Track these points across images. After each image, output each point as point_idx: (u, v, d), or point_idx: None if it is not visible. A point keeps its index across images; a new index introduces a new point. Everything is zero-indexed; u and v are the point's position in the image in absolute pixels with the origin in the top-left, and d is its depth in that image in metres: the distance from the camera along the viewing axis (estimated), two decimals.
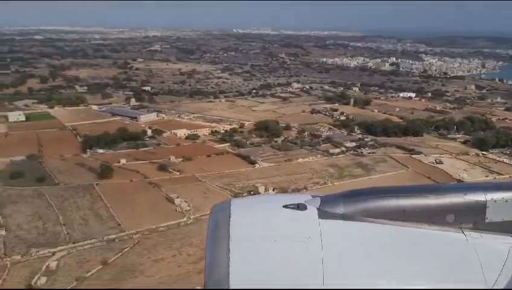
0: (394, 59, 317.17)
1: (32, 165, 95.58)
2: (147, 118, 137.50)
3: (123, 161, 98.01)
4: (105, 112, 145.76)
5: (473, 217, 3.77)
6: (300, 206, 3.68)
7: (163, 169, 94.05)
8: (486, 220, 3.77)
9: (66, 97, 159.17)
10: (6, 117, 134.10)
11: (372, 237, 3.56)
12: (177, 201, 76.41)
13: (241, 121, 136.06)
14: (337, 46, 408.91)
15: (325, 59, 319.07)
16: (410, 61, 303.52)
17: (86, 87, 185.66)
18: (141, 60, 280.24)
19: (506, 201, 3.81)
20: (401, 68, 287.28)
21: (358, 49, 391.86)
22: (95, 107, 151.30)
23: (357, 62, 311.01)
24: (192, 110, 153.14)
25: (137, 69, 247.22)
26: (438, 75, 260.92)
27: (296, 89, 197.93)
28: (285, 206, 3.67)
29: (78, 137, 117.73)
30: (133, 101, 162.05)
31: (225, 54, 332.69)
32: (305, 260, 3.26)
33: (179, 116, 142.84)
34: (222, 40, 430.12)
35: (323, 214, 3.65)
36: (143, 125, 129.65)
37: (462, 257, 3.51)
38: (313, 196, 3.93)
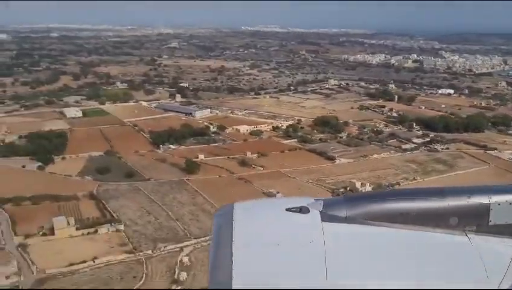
0: (415, 56, 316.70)
1: (113, 160, 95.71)
2: (201, 114, 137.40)
3: (201, 156, 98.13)
4: (157, 108, 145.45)
5: (476, 220, 3.76)
6: (303, 210, 3.71)
7: (244, 164, 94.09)
8: (490, 223, 3.76)
9: (113, 93, 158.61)
10: (62, 113, 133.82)
11: (375, 240, 3.57)
12: (278, 196, 76.32)
13: (296, 117, 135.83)
14: (353, 44, 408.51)
15: (346, 56, 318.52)
16: (433, 58, 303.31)
17: (126, 84, 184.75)
18: (166, 56, 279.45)
19: (510, 204, 3.81)
20: (424, 65, 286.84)
21: (375, 47, 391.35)
22: (144, 104, 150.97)
23: (379, 59, 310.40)
24: (238, 106, 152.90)
25: (165, 65, 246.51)
26: (463, 72, 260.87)
27: (333, 85, 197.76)
28: (288, 210, 3.70)
29: (142, 133, 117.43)
30: (178, 97, 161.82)
31: (245, 51, 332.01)
32: (308, 263, 3.27)
33: (231, 112, 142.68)
34: (236, 38, 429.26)
35: (326, 217, 3.67)
36: (200, 121, 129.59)
37: (465, 260, 3.52)
38: (316, 199, 3.96)
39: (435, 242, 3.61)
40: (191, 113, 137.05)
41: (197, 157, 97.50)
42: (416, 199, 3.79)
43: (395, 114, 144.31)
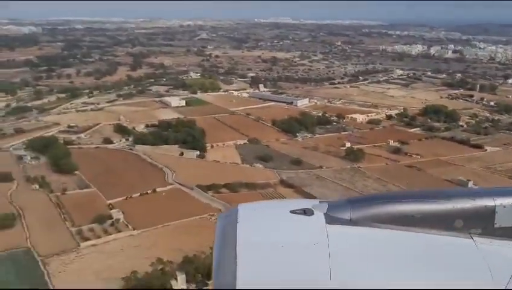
0: (453, 46, 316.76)
1: (262, 148, 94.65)
2: (301, 103, 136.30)
3: (348, 144, 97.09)
4: (252, 97, 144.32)
5: (481, 223, 3.69)
6: (307, 212, 3.66)
7: (398, 152, 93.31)
8: (495, 226, 3.70)
9: (199, 83, 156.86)
10: (163, 102, 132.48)
11: (380, 242, 3.52)
12: (470, 184, 75.70)
13: (399, 107, 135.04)
14: (381, 35, 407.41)
15: (383, 47, 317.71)
16: (471, 48, 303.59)
17: (198, 74, 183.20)
18: (211, 47, 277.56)
19: None
20: (466, 55, 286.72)
21: (403, 38, 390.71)
22: (235, 93, 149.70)
23: (418, 50, 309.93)
24: (324, 95, 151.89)
25: (217, 56, 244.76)
26: (507, 62, 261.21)
27: (399, 75, 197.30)
28: (292, 212, 3.64)
29: (262, 122, 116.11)
30: (261, 87, 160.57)
31: (281, 42, 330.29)
32: (313, 265, 3.23)
33: (329, 101, 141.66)
34: (260, 29, 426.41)
35: (330, 220, 3.61)
36: (307, 110, 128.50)
37: (470, 263, 3.46)
38: (320, 201, 3.89)
39: (440, 245, 3.55)
40: (292, 102, 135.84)
41: (344, 146, 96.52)
42: (421, 201, 3.71)
43: (491, 103, 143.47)
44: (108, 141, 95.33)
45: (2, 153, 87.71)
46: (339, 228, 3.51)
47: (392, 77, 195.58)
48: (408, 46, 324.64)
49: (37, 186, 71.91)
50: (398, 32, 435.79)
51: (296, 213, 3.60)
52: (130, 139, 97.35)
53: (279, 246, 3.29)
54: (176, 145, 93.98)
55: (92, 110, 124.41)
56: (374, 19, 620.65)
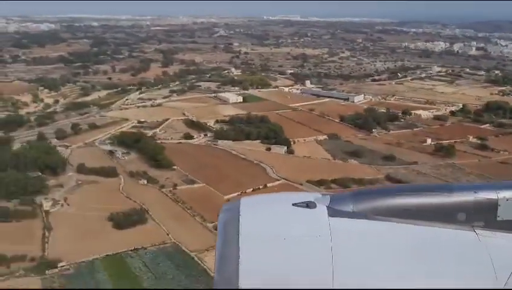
0: (475, 43, 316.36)
1: (345, 144, 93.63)
2: (357, 99, 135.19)
3: (429, 140, 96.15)
4: (304, 93, 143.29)
5: (484, 216, 3.69)
6: (309, 205, 3.63)
7: (483, 148, 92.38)
8: (498, 219, 3.69)
9: (249, 79, 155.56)
10: (218, 98, 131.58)
11: (382, 235, 3.51)
12: None
13: (456, 103, 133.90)
14: (398, 32, 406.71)
15: (406, 44, 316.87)
16: (494, 46, 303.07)
17: (239, 71, 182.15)
18: (236, 44, 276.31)
19: None
20: (491, 52, 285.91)
21: (420, 35, 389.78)
22: (286, 89, 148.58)
23: (441, 47, 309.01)
24: (373, 91, 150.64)
25: (246, 53, 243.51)
26: None
27: (438, 72, 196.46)
28: (295, 205, 3.61)
29: (328, 117, 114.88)
30: (308, 83, 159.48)
31: (302, 40, 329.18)
32: (315, 258, 3.26)
33: (383, 98, 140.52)
34: (274, 26, 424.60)
35: (332, 212, 3.59)
36: (365, 106, 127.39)
37: (473, 256, 3.47)
38: (323, 194, 3.90)
39: (442, 238, 3.56)
40: (347, 98, 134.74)
41: (425, 142, 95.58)
42: (424, 194, 3.74)
43: None
44: (188, 136, 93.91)
45: (92, 148, 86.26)
46: (341, 221, 3.48)
47: (430, 73, 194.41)
48: (430, 43, 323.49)
49: (145, 182, 70.52)
50: (414, 30, 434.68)
51: (298, 206, 3.57)
52: (208, 134, 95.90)
53: (282, 239, 3.29)
54: (257, 141, 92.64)
55: (152, 106, 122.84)
56: (379, 16, 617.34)
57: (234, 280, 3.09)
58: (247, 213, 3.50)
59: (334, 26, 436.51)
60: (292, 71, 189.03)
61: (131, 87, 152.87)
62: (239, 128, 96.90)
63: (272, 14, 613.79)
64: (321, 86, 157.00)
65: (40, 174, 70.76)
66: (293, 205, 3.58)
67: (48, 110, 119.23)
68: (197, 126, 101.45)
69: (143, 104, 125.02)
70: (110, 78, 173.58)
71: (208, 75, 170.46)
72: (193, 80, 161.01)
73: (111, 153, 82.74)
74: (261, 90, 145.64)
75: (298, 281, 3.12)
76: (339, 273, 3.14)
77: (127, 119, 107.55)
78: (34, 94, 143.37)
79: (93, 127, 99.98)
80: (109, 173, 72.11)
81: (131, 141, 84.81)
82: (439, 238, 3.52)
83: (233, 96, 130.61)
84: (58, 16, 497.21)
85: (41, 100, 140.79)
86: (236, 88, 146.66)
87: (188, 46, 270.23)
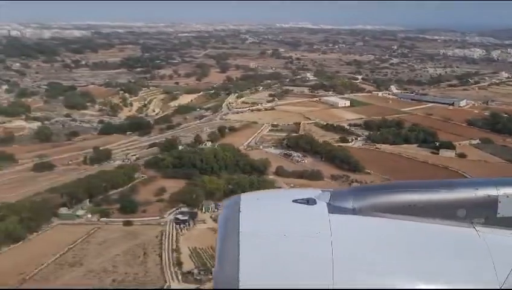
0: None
1: (501, 148, 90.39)
2: (462, 104, 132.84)
3: None
4: (402, 98, 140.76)
5: (484, 212, 3.63)
6: (310, 201, 3.60)
7: None
8: (498, 215, 3.65)
9: (339, 84, 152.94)
10: (323, 102, 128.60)
11: (383, 232, 3.47)
12: None
13: None
14: (424, 40, 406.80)
15: (443, 51, 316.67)
16: None
17: (313, 76, 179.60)
18: (282, 50, 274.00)
19: None
20: None
21: (448, 42, 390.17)
22: (380, 94, 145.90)
23: (478, 54, 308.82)
24: (464, 96, 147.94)
25: (298, 59, 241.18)
26: None
27: (507, 78, 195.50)
28: (295, 201, 3.59)
29: (450, 122, 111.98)
30: (393, 88, 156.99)
31: (337, 46, 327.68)
32: (315, 255, 3.23)
33: (485, 102, 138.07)
34: (303, 33, 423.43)
35: (333, 209, 3.53)
36: (476, 111, 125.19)
37: (473, 253, 3.43)
38: (323, 191, 3.80)
39: (442, 234, 3.51)
40: (452, 103, 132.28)
41: None
42: (424, 190, 3.67)
43: None
44: (345, 139, 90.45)
45: (258, 151, 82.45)
46: (341, 218, 3.46)
47: (500, 79, 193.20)
48: (468, 50, 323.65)
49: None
50: (442, 37, 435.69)
51: (298, 202, 3.55)
52: (359, 138, 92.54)
53: (282, 235, 3.28)
54: (414, 145, 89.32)
55: (265, 109, 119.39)
56: (389, 24, 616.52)
57: (234, 277, 3.08)
58: (248, 209, 3.45)
59: (358, 34, 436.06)
60: (362, 77, 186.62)
61: (211, 91, 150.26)
62: (393, 131, 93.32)
63: (284, 21, 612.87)
64: (406, 91, 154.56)
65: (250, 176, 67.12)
66: (293, 201, 3.52)
67: (162, 114, 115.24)
68: (334, 129, 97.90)
69: (255, 107, 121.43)
70: (177, 83, 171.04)
71: (287, 80, 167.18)
72: (274, 84, 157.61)
73: (286, 155, 78.82)
74: (356, 94, 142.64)
75: (298, 278, 3.11)
76: (339, 270, 3.10)
77: (256, 122, 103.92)
78: (123, 98, 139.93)
79: (233, 130, 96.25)
80: (314, 176, 68.13)
81: (304, 144, 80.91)
82: (438, 235, 3.45)
83: (340, 100, 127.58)
84: (73, 23, 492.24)
85: (131, 104, 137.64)
86: (330, 92, 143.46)
87: (232, 51, 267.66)
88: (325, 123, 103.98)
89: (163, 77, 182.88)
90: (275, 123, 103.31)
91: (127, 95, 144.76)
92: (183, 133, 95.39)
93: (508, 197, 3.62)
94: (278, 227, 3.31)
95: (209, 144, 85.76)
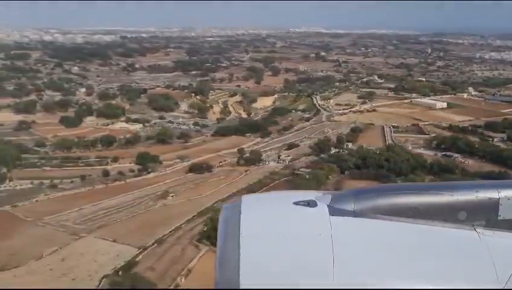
0: None
1: None
2: None
3: None
4: (492, 101, 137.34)
5: (485, 215, 3.62)
6: (310, 203, 3.62)
7: None
8: (499, 218, 3.64)
9: (418, 85, 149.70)
10: (416, 104, 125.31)
11: (384, 234, 3.44)
12: None
13: None
14: (449, 43, 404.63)
15: (479, 54, 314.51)
16: None
17: (380, 78, 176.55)
18: (324, 53, 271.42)
19: None
20: None
21: (475, 46, 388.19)
22: (465, 95, 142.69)
23: None
24: None
25: (344, 62, 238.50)
26: None
27: None
28: (296, 203, 3.60)
29: None
30: (471, 90, 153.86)
31: (369, 50, 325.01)
32: (316, 257, 3.19)
33: None
34: (325, 37, 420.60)
35: (333, 211, 3.50)
36: None
37: (474, 255, 3.39)
38: (324, 193, 3.79)
39: (443, 237, 3.46)
40: None
41: None
42: (425, 193, 3.64)
43: None
44: (484, 140, 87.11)
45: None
46: (342, 220, 3.46)
47: None
48: (505, 53, 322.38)
49: None
50: (460, 41, 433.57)
51: (299, 205, 3.55)
52: (495, 139, 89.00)
53: (282, 237, 3.28)
54: None
55: (367, 111, 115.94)
56: (404, 28, 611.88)
57: (235, 279, 3.07)
58: (248, 211, 3.46)
59: (382, 38, 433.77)
60: (421, 79, 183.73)
61: (284, 93, 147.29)
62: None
63: (296, 26, 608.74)
64: (482, 93, 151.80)
65: None
66: (293, 203, 3.53)
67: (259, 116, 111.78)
68: (461, 131, 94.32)
69: (356, 109, 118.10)
70: (238, 86, 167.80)
71: (358, 82, 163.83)
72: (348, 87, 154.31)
73: (447, 157, 75.38)
74: (442, 96, 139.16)
75: (299, 281, 3.10)
76: (340, 272, 3.07)
77: (372, 124, 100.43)
78: (202, 100, 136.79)
79: (357, 131, 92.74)
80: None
81: (463, 145, 77.27)
82: (439, 237, 3.41)
83: (436, 102, 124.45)
84: (92, 29, 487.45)
85: (211, 106, 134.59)
86: (414, 94, 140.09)
87: (273, 55, 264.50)
88: (445, 125, 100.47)
89: (222, 80, 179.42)
90: (394, 124, 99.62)
91: (198, 97, 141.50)
92: (307, 134, 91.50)
93: (509, 199, 3.54)
94: (279, 229, 3.29)
95: (349, 145, 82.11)
